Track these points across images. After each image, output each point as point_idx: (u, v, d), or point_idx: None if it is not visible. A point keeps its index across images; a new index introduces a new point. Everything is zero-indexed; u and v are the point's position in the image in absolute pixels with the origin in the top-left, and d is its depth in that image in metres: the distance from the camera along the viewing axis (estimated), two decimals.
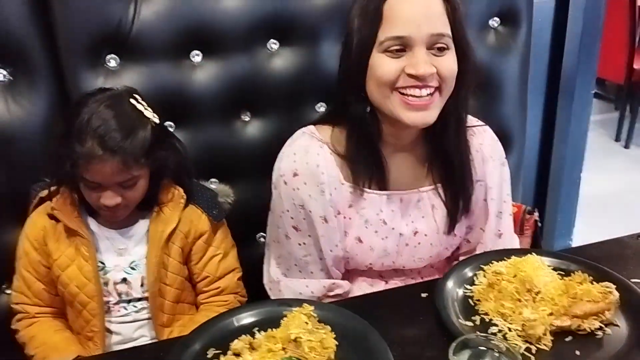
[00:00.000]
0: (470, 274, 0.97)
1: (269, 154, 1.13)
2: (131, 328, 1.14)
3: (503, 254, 0.97)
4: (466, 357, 0.69)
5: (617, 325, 0.86)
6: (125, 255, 1.12)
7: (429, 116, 0.98)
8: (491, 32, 1.51)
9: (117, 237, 1.12)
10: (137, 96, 1.07)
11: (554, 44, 1.87)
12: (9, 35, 1.18)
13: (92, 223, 1.12)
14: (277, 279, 1.13)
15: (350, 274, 1.16)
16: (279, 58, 1.36)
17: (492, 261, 0.95)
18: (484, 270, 0.95)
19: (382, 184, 1.07)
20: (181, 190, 1.15)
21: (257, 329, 0.85)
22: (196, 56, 1.30)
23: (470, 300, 0.92)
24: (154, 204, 1.12)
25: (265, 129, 1.38)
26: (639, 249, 1.05)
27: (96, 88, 1.09)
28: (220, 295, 1.20)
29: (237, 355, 0.80)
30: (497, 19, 1.50)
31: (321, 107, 1.39)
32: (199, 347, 0.82)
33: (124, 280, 1.11)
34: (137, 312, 1.13)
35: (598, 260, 1.07)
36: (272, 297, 1.13)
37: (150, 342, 1.15)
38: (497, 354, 0.68)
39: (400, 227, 1.09)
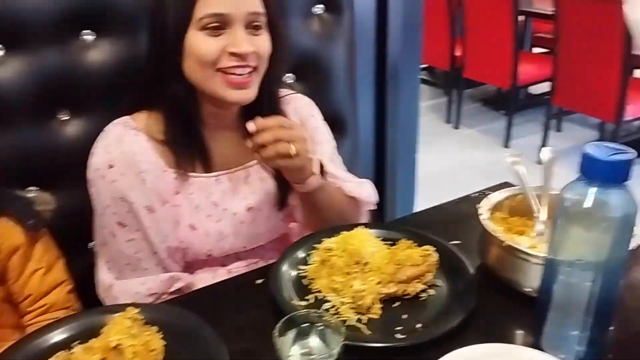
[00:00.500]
0: (303, 254, 0.97)
1: None
2: None
3: (333, 231, 0.98)
4: (291, 337, 0.68)
5: (438, 286, 0.91)
6: None
7: (251, 93, 0.99)
8: (315, 19, 1.54)
9: None
10: None
11: (379, 32, 1.97)
12: None
13: None
14: (109, 284, 1.05)
15: (191, 267, 1.11)
16: (96, 50, 1.26)
17: (323, 239, 0.96)
18: (316, 249, 0.96)
19: (207, 166, 1.05)
20: None
21: (78, 342, 0.78)
22: None
23: (304, 281, 0.93)
24: None
25: (87, 127, 1.27)
26: (458, 214, 1.13)
27: None
28: (49, 313, 1.08)
29: None
30: (321, 5, 1.54)
31: None
32: None
33: None
34: None
35: (424, 227, 1.14)
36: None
37: None
38: (321, 328, 0.68)
39: (233, 206, 1.07)
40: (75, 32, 1.23)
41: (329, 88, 1.58)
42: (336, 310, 0.85)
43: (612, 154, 0.66)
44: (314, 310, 0.77)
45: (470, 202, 1.11)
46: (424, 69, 4.77)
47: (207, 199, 1.05)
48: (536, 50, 4.46)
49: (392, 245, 0.96)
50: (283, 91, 1.16)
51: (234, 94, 0.97)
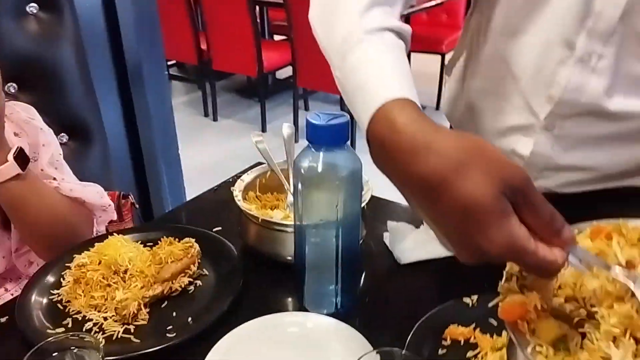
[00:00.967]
0: (53, 278, 0.88)
1: None
2: None
3: (84, 246, 0.91)
4: None
5: (205, 275, 0.91)
6: None
7: None
8: (31, 19, 1.39)
9: None
10: None
11: (111, 31, 1.86)
12: None
13: None
14: None
15: None
16: None
17: (75, 255, 0.89)
18: (68, 269, 0.88)
19: None
20: None
21: None
22: None
23: (60, 305, 0.84)
24: None
25: None
26: (217, 201, 1.14)
27: None
28: None
29: None
30: (34, 4, 1.39)
31: None
32: None
33: None
34: None
35: (185, 221, 1.12)
36: None
37: None
38: (76, 351, 0.63)
39: None
40: None
41: (62, 94, 1.45)
42: (100, 327, 0.79)
43: (330, 120, 0.72)
44: (71, 334, 0.70)
45: (226, 188, 1.13)
46: (172, 65, 4.69)
47: None
48: (277, 37, 4.72)
49: (153, 245, 0.93)
50: None
51: None
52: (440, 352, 0.74)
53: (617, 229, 0.56)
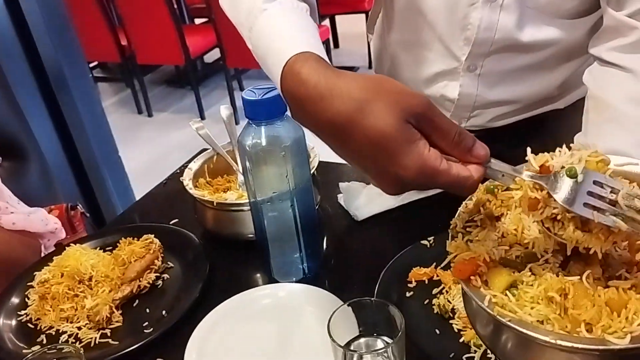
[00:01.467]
0: (18, 299, 0.87)
1: None
2: None
3: (44, 261, 0.90)
4: None
5: (171, 267, 0.92)
6: None
7: None
8: None
9: None
10: None
11: (23, 41, 1.79)
12: None
13: None
14: None
15: None
16: None
17: (35, 273, 0.88)
18: (32, 287, 0.87)
19: None
20: None
21: None
22: None
23: (30, 324, 0.83)
24: None
25: None
26: (168, 193, 1.14)
27: None
28: None
29: None
30: None
31: None
32: None
33: None
34: None
35: (140, 220, 1.12)
36: None
37: None
38: None
39: None
40: None
41: None
42: (75, 337, 0.79)
43: (265, 94, 0.73)
44: (49, 347, 0.70)
45: (176, 179, 1.13)
46: (95, 66, 4.53)
47: None
48: (198, 21, 4.62)
49: (113, 249, 0.92)
50: None
51: None
52: (407, 294, 0.79)
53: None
